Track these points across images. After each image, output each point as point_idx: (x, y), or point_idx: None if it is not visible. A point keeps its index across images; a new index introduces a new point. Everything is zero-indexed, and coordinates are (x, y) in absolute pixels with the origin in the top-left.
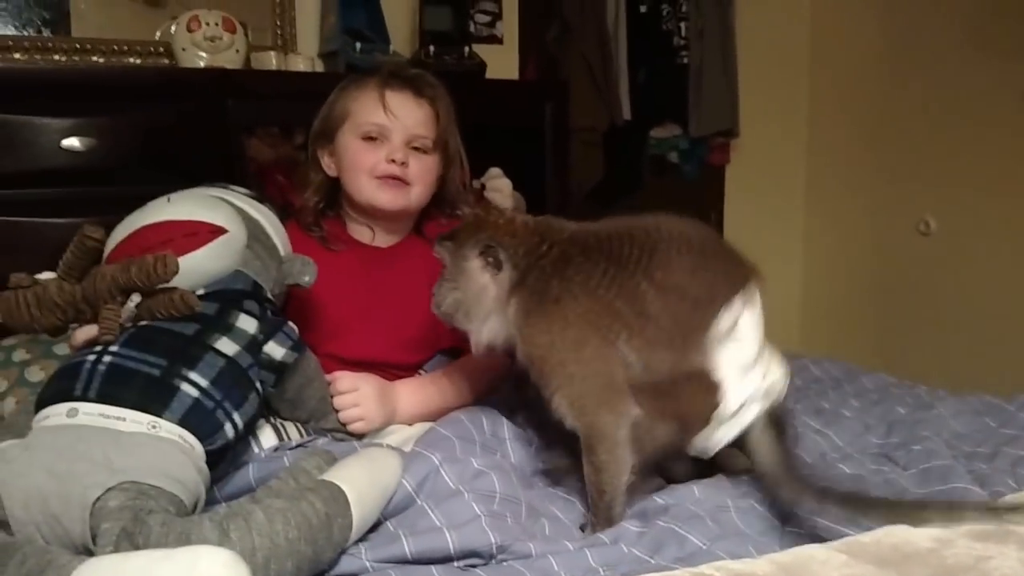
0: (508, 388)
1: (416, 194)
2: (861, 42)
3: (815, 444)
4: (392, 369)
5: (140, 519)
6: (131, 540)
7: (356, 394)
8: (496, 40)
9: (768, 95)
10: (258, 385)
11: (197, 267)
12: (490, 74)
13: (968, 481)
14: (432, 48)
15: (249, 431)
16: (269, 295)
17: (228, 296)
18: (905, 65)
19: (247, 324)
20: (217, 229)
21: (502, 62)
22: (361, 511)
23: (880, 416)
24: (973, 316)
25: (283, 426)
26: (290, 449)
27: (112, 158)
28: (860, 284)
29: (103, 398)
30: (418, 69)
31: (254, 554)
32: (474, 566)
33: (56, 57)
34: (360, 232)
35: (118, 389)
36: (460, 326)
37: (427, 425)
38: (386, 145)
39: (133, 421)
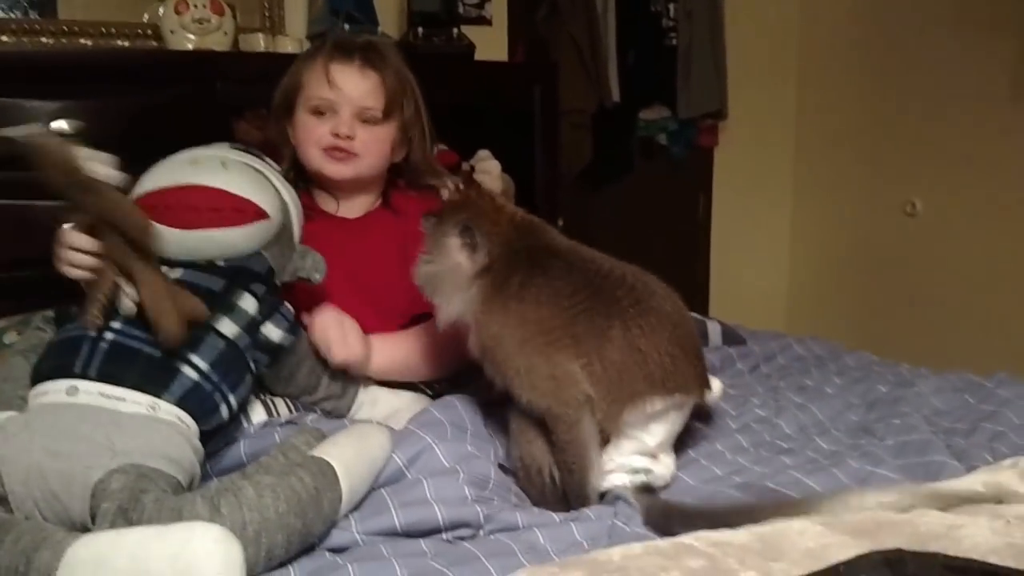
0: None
1: (366, 165)
2: (849, 24)
3: (796, 419)
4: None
5: (136, 498)
6: (126, 517)
7: (339, 326)
8: (485, 21)
9: (756, 77)
10: (252, 366)
11: (232, 243)
12: (479, 56)
13: (946, 455)
14: (420, 30)
15: (242, 410)
16: (278, 282)
17: (241, 274)
18: (893, 48)
19: (248, 304)
20: (262, 213)
21: (491, 44)
22: (350, 484)
23: (861, 393)
24: (958, 296)
25: (273, 402)
26: (280, 426)
27: (101, 141)
28: (847, 265)
29: (103, 377)
30: (370, 37)
31: (245, 528)
32: (462, 538)
33: (43, 40)
34: (326, 202)
35: (119, 369)
36: (430, 299)
37: (416, 406)
38: (334, 118)
39: (133, 402)
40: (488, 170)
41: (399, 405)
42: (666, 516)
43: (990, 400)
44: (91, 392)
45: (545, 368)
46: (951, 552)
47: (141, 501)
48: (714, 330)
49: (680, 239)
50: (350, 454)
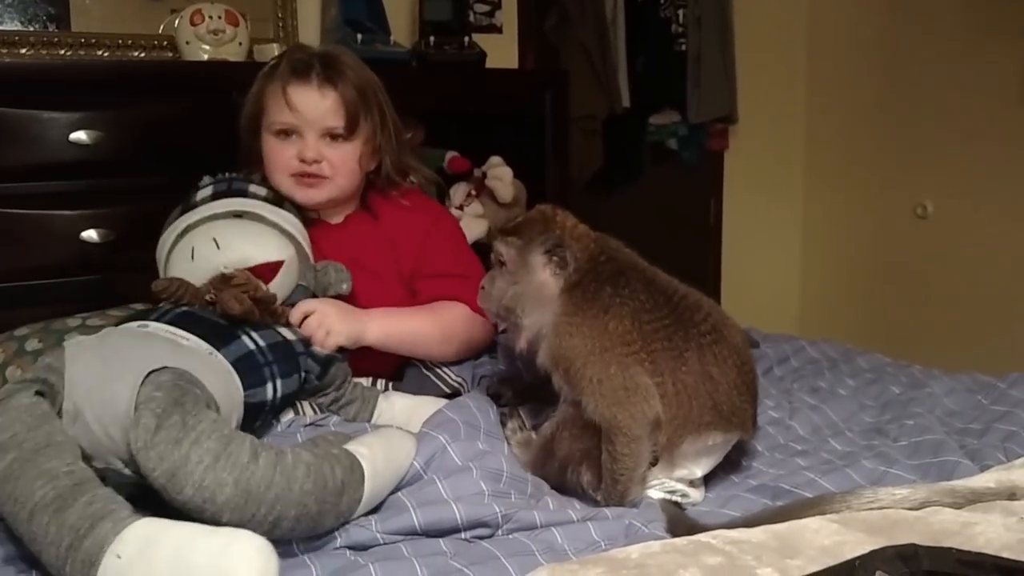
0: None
1: (337, 186)
2: (859, 27)
3: (809, 421)
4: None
5: (195, 401)
6: (183, 415)
7: (316, 313)
8: (495, 30)
9: (766, 81)
10: (303, 373)
11: None
12: (490, 64)
13: (959, 455)
14: (432, 38)
15: (284, 406)
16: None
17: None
18: (903, 50)
19: None
20: (276, 266)
21: (502, 52)
22: (372, 489)
23: (875, 395)
24: (969, 298)
25: (300, 404)
26: (304, 426)
27: (119, 151)
28: (858, 267)
29: (173, 323)
30: (325, 49)
31: (269, 488)
32: (481, 537)
33: (61, 52)
34: (307, 212)
35: (189, 323)
36: (512, 320)
37: (430, 408)
38: (299, 141)
39: (195, 343)
40: (500, 176)
41: (417, 413)
42: (691, 533)
43: (1003, 400)
44: (160, 329)
45: (620, 379)
46: (965, 548)
47: (202, 412)
48: None
49: (691, 243)
50: (380, 460)
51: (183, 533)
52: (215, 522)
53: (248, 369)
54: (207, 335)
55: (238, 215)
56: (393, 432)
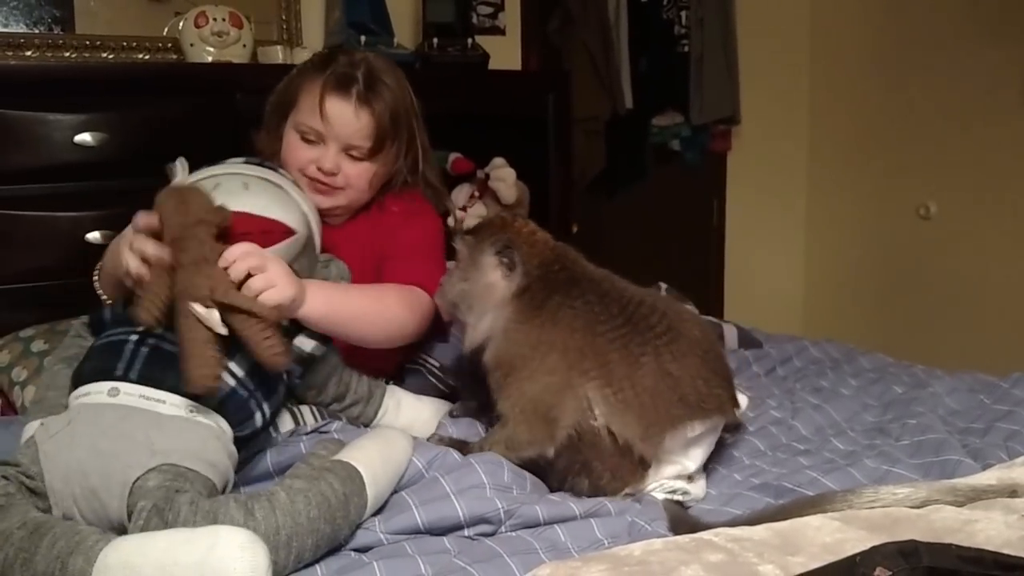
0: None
1: (348, 197)
2: (862, 28)
3: (812, 420)
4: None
5: (170, 498)
6: (161, 517)
7: (261, 257)
8: (498, 31)
9: (769, 82)
10: (285, 377)
11: None
12: (493, 65)
13: (961, 454)
14: (435, 40)
15: (274, 419)
16: None
17: None
18: (906, 51)
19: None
20: (289, 231)
21: (505, 53)
22: (376, 490)
23: (877, 394)
24: (972, 299)
25: (299, 411)
26: (305, 435)
27: (123, 153)
28: (861, 268)
29: (144, 380)
30: (371, 63)
31: (278, 532)
32: (484, 535)
33: (66, 54)
34: None
35: (160, 372)
36: (460, 317)
37: (438, 414)
38: (320, 148)
39: (172, 404)
40: (503, 177)
41: (421, 412)
42: (693, 532)
43: (1005, 400)
44: (132, 394)
45: (544, 403)
46: (965, 545)
47: (176, 502)
48: (730, 333)
49: (695, 244)
50: (377, 460)
51: (161, 546)
52: None
53: (234, 409)
54: (180, 386)
55: (267, 181)
56: (388, 431)
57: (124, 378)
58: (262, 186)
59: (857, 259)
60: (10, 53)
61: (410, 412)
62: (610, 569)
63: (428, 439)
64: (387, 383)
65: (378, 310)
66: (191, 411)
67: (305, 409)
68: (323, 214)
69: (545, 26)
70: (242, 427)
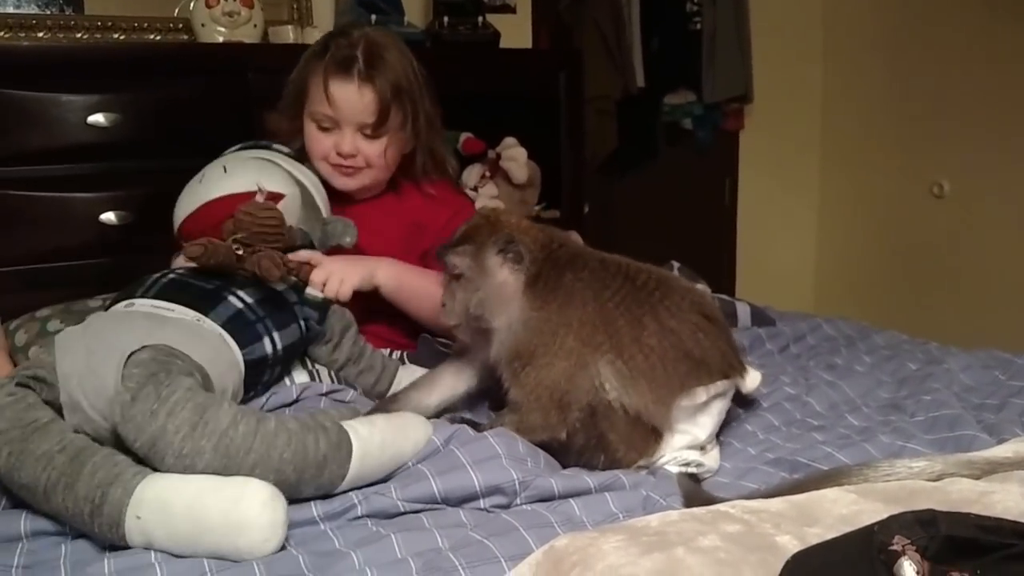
0: None
1: (372, 176)
2: (875, 6)
3: (826, 397)
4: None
5: (169, 371)
6: (156, 386)
7: (320, 268)
8: (509, 9)
9: (782, 60)
10: (302, 322)
11: None
12: (504, 44)
13: (976, 429)
14: (446, 19)
15: (289, 358)
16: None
17: (288, 249)
18: (919, 29)
19: None
20: (276, 195)
21: (515, 31)
22: (360, 469)
23: (891, 371)
24: (985, 277)
25: (317, 371)
26: (321, 394)
27: (136, 133)
28: (874, 246)
29: (158, 297)
30: (370, 37)
31: (248, 453)
32: (500, 507)
33: (78, 35)
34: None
35: (173, 293)
36: (485, 326)
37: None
38: (337, 133)
39: (180, 313)
40: (514, 157)
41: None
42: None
43: (1020, 376)
44: (145, 306)
45: (559, 389)
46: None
47: (176, 381)
48: (743, 311)
49: (707, 223)
50: (377, 442)
51: (194, 490)
52: None
53: (240, 328)
54: (193, 302)
55: (252, 159)
56: (408, 419)
57: (141, 297)
58: (243, 165)
59: (870, 238)
60: (23, 34)
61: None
62: (627, 540)
63: (441, 417)
64: (401, 354)
65: (433, 291)
66: (197, 320)
67: (323, 371)
68: (353, 195)
69: (556, 4)
70: (250, 349)
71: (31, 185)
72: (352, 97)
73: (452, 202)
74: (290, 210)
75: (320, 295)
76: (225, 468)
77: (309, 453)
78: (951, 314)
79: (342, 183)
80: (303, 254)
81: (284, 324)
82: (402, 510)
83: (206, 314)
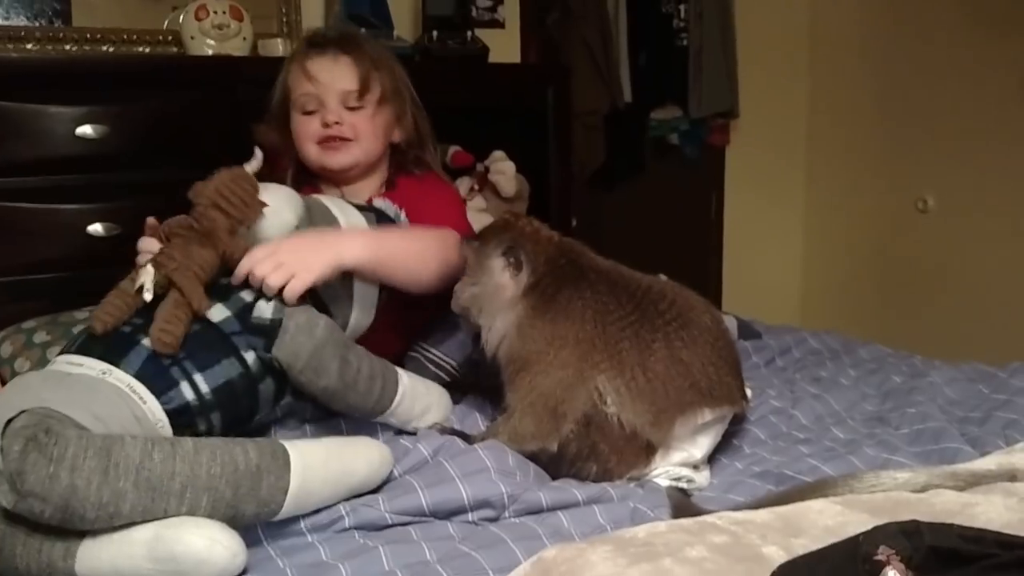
0: None
1: (363, 149)
2: (860, 21)
3: (812, 409)
4: (393, 322)
5: (52, 431)
6: (41, 449)
7: (273, 256)
8: (498, 24)
9: (768, 76)
10: (248, 354)
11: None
12: (492, 58)
13: (960, 442)
14: (435, 33)
15: (231, 402)
16: None
17: None
18: (904, 44)
19: (246, 292)
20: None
21: (504, 46)
22: (303, 481)
23: (876, 384)
24: (969, 291)
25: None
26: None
27: (124, 145)
28: (859, 261)
29: (79, 351)
30: (345, 29)
31: (172, 478)
32: (489, 520)
33: (66, 47)
34: (334, 194)
35: (92, 344)
36: (474, 320)
37: (444, 403)
38: (322, 111)
39: (88, 367)
40: (503, 171)
41: (432, 394)
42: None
43: (1003, 389)
44: (61, 362)
45: (553, 398)
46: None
47: (64, 435)
48: (730, 324)
49: (693, 237)
50: (320, 454)
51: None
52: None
53: (155, 374)
54: (104, 353)
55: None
56: (360, 439)
57: (65, 352)
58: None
59: (855, 252)
60: (11, 46)
61: (425, 397)
62: (615, 550)
63: (430, 427)
64: None
65: (418, 249)
66: (103, 373)
67: None
68: (345, 177)
69: (544, 19)
70: (166, 398)
71: (18, 196)
72: (329, 66)
73: (441, 188)
74: (273, 225)
75: (267, 316)
76: (153, 501)
77: (239, 464)
78: (935, 328)
79: (333, 160)
80: (243, 263)
81: (210, 363)
82: (390, 522)
83: (117, 364)
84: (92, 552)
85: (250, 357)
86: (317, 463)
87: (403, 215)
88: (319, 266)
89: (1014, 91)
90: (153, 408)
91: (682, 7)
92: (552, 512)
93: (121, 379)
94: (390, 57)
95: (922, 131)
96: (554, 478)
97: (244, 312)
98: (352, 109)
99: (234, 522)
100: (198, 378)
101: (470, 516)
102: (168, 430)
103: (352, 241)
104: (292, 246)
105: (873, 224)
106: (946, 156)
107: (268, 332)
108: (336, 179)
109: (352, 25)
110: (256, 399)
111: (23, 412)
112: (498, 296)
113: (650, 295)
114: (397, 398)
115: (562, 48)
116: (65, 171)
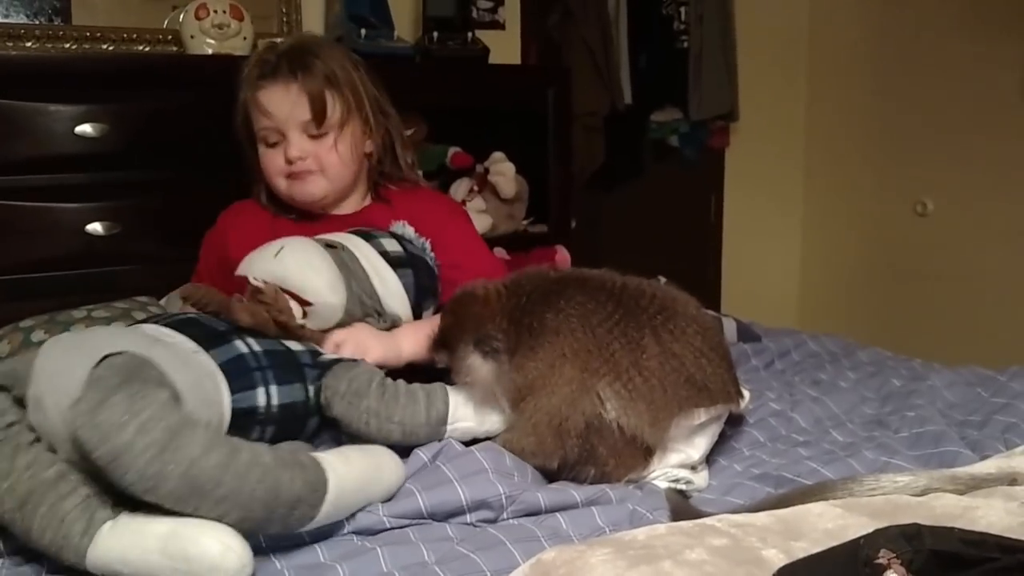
0: None
1: (330, 178)
2: (859, 25)
3: (811, 412)
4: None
5: (145, 380)
6: (129, 396)
7: (348, 343)
8: (498, 26)
9: (767, 79)
10: (310, 388)
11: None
12: (493, 60)
13: (960, 446)
14: (435, 34)
15: (287, 424)
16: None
17: None
18: (902, 48)
19: None
20: (302, 301)
21: (504, 48)
22: (328, 511)
23: (876, 387)
24: (969, 295)
25: None
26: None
27: (124, 144)
28: (858, 264)
29: (166, 326)
30: (293, 40)
31: (217, 486)
32: (487, 522)
33: (66, 45)
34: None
35: (185, 326)
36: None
37: None
38: (284, 143)
39: (179, 341)
40: (502, 172)
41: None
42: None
43: (1003, 393)
44: (149, 328)
45: (558, 415)
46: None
47: (149, 389)
48: (729, 327)
49: (692, 240)
50: (351, 483)
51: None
52: (156, 506)
53: (238, 372)
54: (197, 336)
55: (331, 246)
56: (384, 459)
57: (151, 323)
58: (294, 253)
59: (854, 255)
60: (10, 44)
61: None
62: (614, 553)
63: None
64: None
65: None
66: (194, 351)
67: None
68: (320, 205)
69: (545, 21)
70: (241, 396)
71: (17, 195)
72: (280, 97)
73: (442, 202)
74: (321, 315)
75: (330, 357)
76: (189, 497)
77: (282, 492)
78: (935, 331)
79: (300, 191)
80: (334, 336)
81: (286, 381)
82: (388, 526)
83: (207, 349)
84: (110, 539)
85: (312, 390)
86: (348, 492)
87: (428, 244)
88: (379, 352)
89: (1014, 94)
90: (226, 402)
91: (683, 9)
92: (551, 514)
93: (209, 364)
94: (346, 64)
95: (921, 135)
96: (551, 481)
97: (314, 351)
98: (314, 137)
99: (253, 532)
100: (273, 390)
101: (468, 518)
102: (221, 423)
103: (411, 338)
104: (365, 333)
105: (872, 227)
106: (945, 160)
107: (326, 368)
108: (312, 207)
109: (351, 25)
110: (303, 430)
111: (124, 352)
112: (491, 378)
113: (628, 291)
114: (452, 406)
115: (562, 50)
116: (64, 170)
